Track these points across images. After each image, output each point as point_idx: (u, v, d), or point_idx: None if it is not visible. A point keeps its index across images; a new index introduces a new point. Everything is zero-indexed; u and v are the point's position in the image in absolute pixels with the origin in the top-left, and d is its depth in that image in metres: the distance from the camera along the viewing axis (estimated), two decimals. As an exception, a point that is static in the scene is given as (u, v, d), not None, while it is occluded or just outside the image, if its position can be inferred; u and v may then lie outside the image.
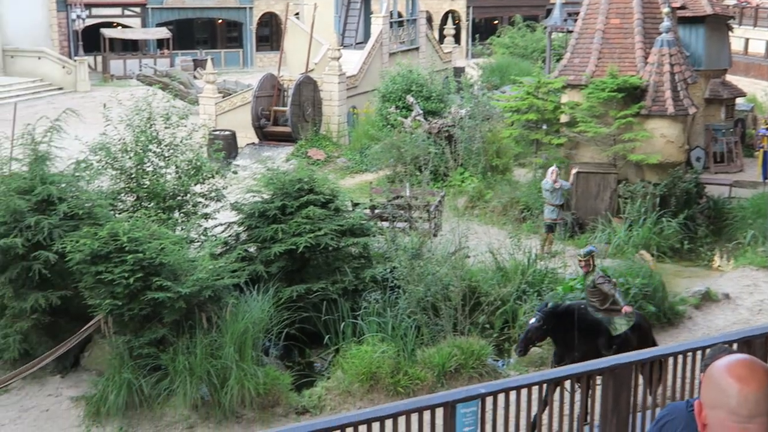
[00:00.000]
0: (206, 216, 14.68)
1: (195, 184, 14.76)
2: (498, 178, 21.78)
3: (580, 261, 11.75)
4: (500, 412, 8.69)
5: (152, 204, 14.18)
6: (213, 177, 15.03)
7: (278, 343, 12.96)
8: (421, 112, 24.69)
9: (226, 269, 12.39)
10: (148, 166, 14.56)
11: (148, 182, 14.41)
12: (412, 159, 21.38)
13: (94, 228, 12.12)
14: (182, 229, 13.92)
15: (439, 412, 8.44)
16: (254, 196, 14.43)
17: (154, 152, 14.68)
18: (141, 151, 14.48)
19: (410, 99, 25.30)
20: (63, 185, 13.13)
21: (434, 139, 22.62)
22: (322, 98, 28.04)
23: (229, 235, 14.37)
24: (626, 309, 11.31)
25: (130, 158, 14.45)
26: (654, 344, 11.49)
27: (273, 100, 28.02)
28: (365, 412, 8.57)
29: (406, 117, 24.44)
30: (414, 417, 8.30)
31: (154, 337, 11.77)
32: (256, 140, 27.72)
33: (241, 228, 14.36)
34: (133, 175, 14.44)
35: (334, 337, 13.05)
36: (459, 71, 36.22)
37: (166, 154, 14.78)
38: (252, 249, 13.94)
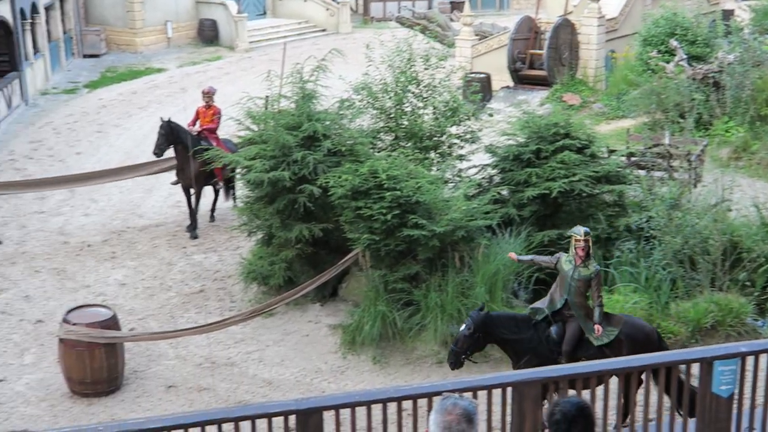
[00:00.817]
0: (461, 157, 14.85)
1: (451, 126, 14.94)
2: (767, 128, 20.49)
3: (577, 241, 9.79)
4: (760, 374, 8.31)
5: (410, 143, 14.50)
6: (469, 119, 15.15)
7: (528, 286, 12.98)
8: (685, 57, 23.55)
9: (479, 210, 12.54)
10: (407, 107, 14.87)
11: (406, 122, 14.73)
12: (674, 106, 20.54)
13: (355, 165, 12.63)
14: (438, 169, 14.18)
15: (695, 368, 8.19)
16: (509, 139, 14.41)
17: (413, 93, 14.96)
18: (400, 91, 14.80)
19: (674, 43, 24.19)
20: (327, 123, 13.72)
21: (698, 85, 21.57)
22: (579, 41, 27.40)
23: (483, 177, 14.46)
24: (598, 328, 9.74)
25: (390, 98, 14.81)
26: None
27: (529, 43, 27.67)
28: (617, 361, 8.48)
29: (668, 62, 23.43)
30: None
31: (408, 273, 12.15)
32: (511, 83, 27.55)
33: (495, 170, 14.40)
34: (392, 115, 14.81)
35: (584, 284, 12.89)
36: (728, 14, 34.14)
37: (425, 95, 15.02)
38: (505, 192, 13.97)
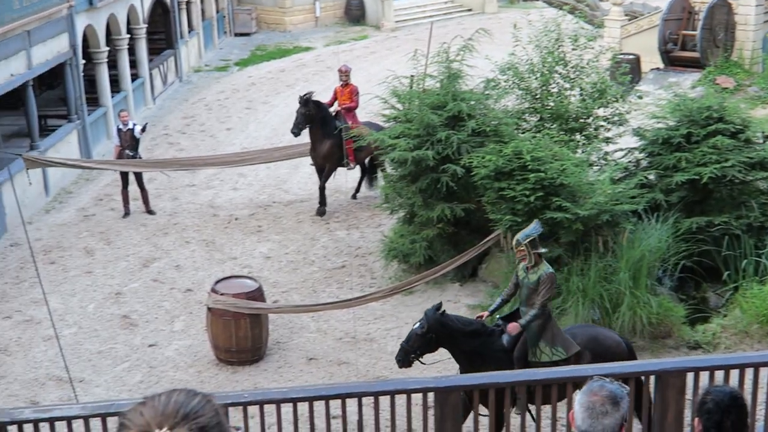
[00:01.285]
0: (607, 140, 14.56)
1: (598, 108, 14.65)
2: None
3: (518, 249, 9.14)
4: None
5: (555, 125, 14.30)
6: (616, 101, 14.81)
7: (673, 274, 12.64)
8: None
9: (625, 195, 12.28)
10: (553, 88, 14.66)
11: (552, 103, 14.53)
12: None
13: (499, 145, 12.56)
14: (583, 151, 13.94)
15: None
16: (658, 122, 14.02)
17: (560, 74, 14.74)
18: (547, 72, 14.60)
19: (839, 24, 22.99)
20: (472, 102, 13.70)
21: None
22: (736, 22, 26.33)
23: (630, 161, 14.14)
24: (513, 326, 9.01)
25: (536, 79, 14.63)
26: None
27: (682, 23, 26.77)
28: (764, 354, 8.19)
29: (832, 44, 22.28)
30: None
31: (550, 255, 11.97)
32: (661, 65, 26.75)
33: (642, 154, 14.05)
34: (538, 96, 14.63)
35: (733, 274, 12.45)
36: None
37: (572, 76, 14.77)
38: (652, 176, 13.61)
